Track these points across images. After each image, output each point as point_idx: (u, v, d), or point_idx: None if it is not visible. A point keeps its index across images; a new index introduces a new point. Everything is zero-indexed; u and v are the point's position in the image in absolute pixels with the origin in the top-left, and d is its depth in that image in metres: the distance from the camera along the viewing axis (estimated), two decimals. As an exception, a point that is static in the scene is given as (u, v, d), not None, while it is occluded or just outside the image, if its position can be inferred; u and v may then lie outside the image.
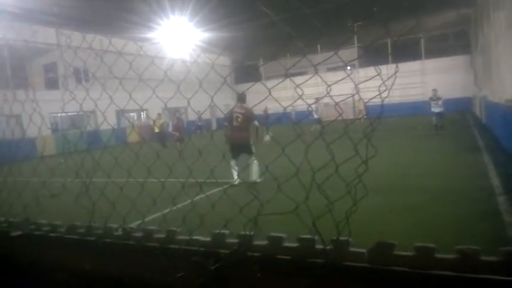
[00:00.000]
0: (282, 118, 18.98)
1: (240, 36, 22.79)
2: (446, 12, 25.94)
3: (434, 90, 14.94)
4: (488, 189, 5.76)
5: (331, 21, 19.61)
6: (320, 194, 1.20)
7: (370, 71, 26.28)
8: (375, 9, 17.02)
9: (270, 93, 1.32)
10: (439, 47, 30.43)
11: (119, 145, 2.59)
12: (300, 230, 1.20)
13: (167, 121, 16.61)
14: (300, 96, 1.23)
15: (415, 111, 25.97)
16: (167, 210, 1.80)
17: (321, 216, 1.14)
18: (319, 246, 1.12)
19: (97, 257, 1.50)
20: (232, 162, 7.39)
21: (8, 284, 1.72)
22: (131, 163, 1.71)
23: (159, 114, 17.15)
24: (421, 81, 29.65)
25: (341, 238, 1.10)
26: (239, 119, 7.69)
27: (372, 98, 1.35)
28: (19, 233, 1.72)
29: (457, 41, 31.22)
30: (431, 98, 14.94)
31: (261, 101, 1.65)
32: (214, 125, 32.61)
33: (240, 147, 7.66)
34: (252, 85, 1.92)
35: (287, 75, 1.43)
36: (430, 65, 30.10)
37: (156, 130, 16.53)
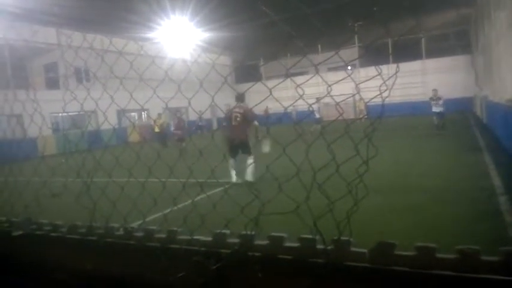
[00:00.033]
0: (282, 118, 18.97)
1: (240, 36, 22.80)
2: (447, 12, 25.90)
3: (435, 90, 14.94)
4: (489, 189, 5.76)
5: (332, 21, 19.58)
6: (321, 194, 1.20)
7: (371, 70, 26.26)
8: (375, 9, 16.98)
9: (270, 93, 1.32)
10: (440, 47, 30.40)
11: (120, 145, 2.59)
12: (301, 230, 1.20)
13: (168, 121, 16.64)
14: (301, 96, 1.22)
15: (415, 111, 25.97)
16: (168, 210, 1.79)
17: (322, 216, 1.14)
18: (320, 246, 1.12)
19: (98, 256, 1.51)
20: (231, 161, 7.45)
21: (9, 284, 1.72)
22: (132, 163, 1.71)
23: (159, 114, 17.19)
24: (421, 81, 29.62)
25: (342, 238, 1.10)
26: (238, 118, 7.79)
27: (372, 98, 1.35)
28: (20, 232, 1.73)
29: (458, 41, 31.18)
30: (431, 98, 14.94)
31: (261, 101, 1.65)
32: (215, 125, 32.61)
33: (238, 146, 7.76)
34: (253, 85, 1.91)
35: (288, 75, 1.43)
36: (431, 64, 30.08)
37: (157, 130, 16.58)
